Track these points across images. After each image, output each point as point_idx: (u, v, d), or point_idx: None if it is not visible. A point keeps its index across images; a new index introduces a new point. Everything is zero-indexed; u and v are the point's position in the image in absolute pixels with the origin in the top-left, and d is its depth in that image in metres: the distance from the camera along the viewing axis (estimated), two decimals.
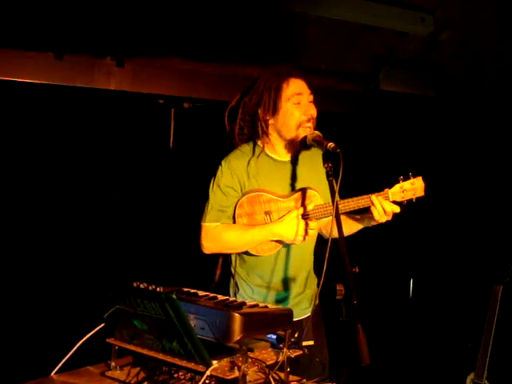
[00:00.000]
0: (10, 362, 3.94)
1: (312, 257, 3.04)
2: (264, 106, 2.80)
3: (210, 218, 2.84)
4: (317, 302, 3.06)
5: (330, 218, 2.94)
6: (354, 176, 3.28)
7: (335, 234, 2.62)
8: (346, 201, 2.79)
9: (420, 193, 2.85)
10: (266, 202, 2.82)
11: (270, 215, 2.81)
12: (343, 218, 2.97)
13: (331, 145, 2.51)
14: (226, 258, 2.99)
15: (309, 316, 2.94)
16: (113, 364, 2.16)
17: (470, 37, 4.85)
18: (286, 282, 2.92)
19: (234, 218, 2.85)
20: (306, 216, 2.80)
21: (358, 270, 2.16)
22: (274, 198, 2.82)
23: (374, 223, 2.87)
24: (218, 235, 2.83)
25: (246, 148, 2.90)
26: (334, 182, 2.40)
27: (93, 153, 4.60)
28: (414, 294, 5.65)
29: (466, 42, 4.91)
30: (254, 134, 2.91)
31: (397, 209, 2.77)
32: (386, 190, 2.82)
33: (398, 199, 2.82)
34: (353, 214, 2.96)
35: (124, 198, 4.65)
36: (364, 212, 2.87)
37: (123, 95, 4.63)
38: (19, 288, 4.24)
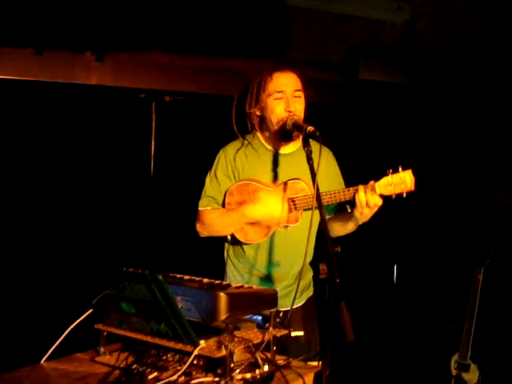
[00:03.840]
0: None
1: (308, 250, 3.03)
2: (248, 98, 2.90)
3: (202, 203, 2.96)
4: (311, 293, 3.11)
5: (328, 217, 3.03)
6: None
7: (335, 233, 2.71)
8: (331, 192, 2.83)
9: (410, 187, 2.84)
10: (255, 191, 2.87)
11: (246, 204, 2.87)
12: (338, 217, 3.08)
13: (310, 128, 2.55)
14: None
15: (299, 307, 2.99)
16: (102, 350, 2.20)
17: (446, 24, 4.90)
18: (275, 272, 2.96)
19: (223, 205, 2.93)
20: (293, 203, 2.86)
21: (340, 250, 2.19)
22: (263, 188, 2.87)
23: (359, 217, 2.84)
24: (205, 218, 2.94)
25: (242, 140, 3.00)
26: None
27: (75, 148, 4.60)
28: (398, 276, 5.71)
29: (443, 29, 4.96)
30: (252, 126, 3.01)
31: (379, 201, 2.76)
32: (372, 182, 2.82)
33: (387, 193, 2.82)
34: (344, 213, 2.99)
35: (107, 191, 4.65)
36: (353, 210, 2.87)
37: (104, 90, 4.63)
38: (7, 276, 4.23)
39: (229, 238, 2.96)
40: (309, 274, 3.10)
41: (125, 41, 4.52)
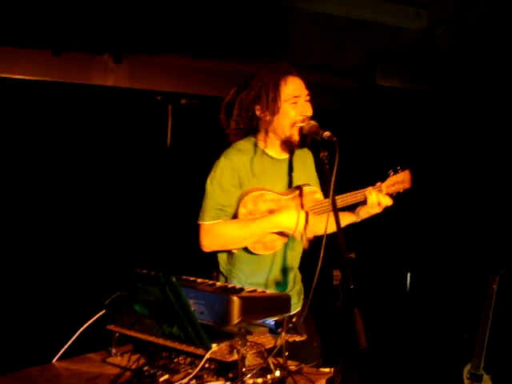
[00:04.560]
0: (12, 349, 3.96)
1: (300, 255, 3.05)
2: (262, 104, 2.78)
3: (209, 216, 2.77)
4: (303, 295, 3.09)
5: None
6: (350, 170, 3.34)
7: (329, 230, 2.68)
8: (343, 196, 2.87)
9: (407, 185, 3.07)
10: (269, 201, 2.81)
11: (273, 213, 2.81)
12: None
13: (327, 134, 2.55)
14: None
15: (299, 311, 2.97)
16: (113, 351, 2.19)
17: (464, 31, 4.88)
18: (278, 280, 2.91)
19: (237, 216, 2.79)
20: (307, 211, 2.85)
21: (354, 256, 2.18)
22: (277, 197, 2.83)
23: (365, 216, 2.96)
24: (219, 231, 2.77)
25: (246, 145, 2.88)
26: (330, 170, 2.43)
27: (91, 149, 4.63)
28: (412, 284, 5.68)
29: (461, 36, 4.94)
30: (250, 129, 2.90)
31: (390, 202, 2.92)
32: (379, 183, 2.99)
33: (390, 192, 3.00)
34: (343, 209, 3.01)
35: (122, 193, 4.67)
36: (353, 208, 2.96)
37: (121, 91, 4.65)
38: (21, 276, 4.27)
39: (234, 250, 2.84)
40: (299, 277, 3.09)
41: (142, 43, 4.54)
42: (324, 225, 2.75)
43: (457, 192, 5.53)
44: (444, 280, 5.49)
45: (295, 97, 2.79)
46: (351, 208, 2.97)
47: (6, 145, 4.51)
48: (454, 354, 4.53)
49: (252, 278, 2.88)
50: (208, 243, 2.79)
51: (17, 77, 4.43)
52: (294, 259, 2.98)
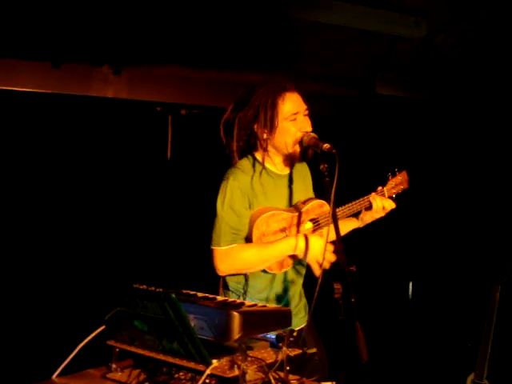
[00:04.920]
0: (11, 365, 3.95)
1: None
2: (260, 123, 2.77)
3: (224, 241, 2.74)
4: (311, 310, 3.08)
5: None
6: (351, 179, 3.35)
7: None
8: (349, 205, 2.94)
9: (406, 185, 3.18)
10: (281, 220, 2.80)
11: (286, 231, 2.81)
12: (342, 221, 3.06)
13: (327, 146, 2.55)
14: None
15: (306, 324, 2.97)
16: (114, 366, 2.17)
17: (464, 39, 4.88)
18: (286, 295, 2.91)
19: (250, 238, 2.76)
20: (316, 225, 2.87)
21: (355, 269, 2.17)
22: (285, 214, 2.82)
23: (369, 221, 3.08)
24: (235, 256, 2.73)
25: (246, 164, 2.86)
26: (331, 182, 2.43)
27: (91, 160, 4.63)
28: (414, 293, 5.66)
29: (461, 44, 4.94)
30: (250, 147, 2.90)
31: (393, 205, 3.03)
32: (381, 188, 3.09)
33: (390, 195, 3.11)
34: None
35: (122, 205, 4.66)
36: (357, 214, 3.04)
37: (120, 103, 4.65)
38: (20, 291, 4.25)
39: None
40: (303, 295, 3.08)
41: (142, 54, 4.55)
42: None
43: (459, 200, 5.52)
44: (446, 289, 5.47)
45: (294, 114, 2.78)
46: (354, 214, 3.03)
47: (5, 156, 4.50)
48: (457, 363, 4.52)
49: (263, 294, 2.87)
50: (225, 268, 2.77)
51: (17, 89, 4.43)
52: (302, 273, 2.99)
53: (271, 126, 2.76)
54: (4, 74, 4.41)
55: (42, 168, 4.51)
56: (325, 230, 2.82)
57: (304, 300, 3.06)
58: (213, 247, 2.76)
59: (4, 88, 4.42)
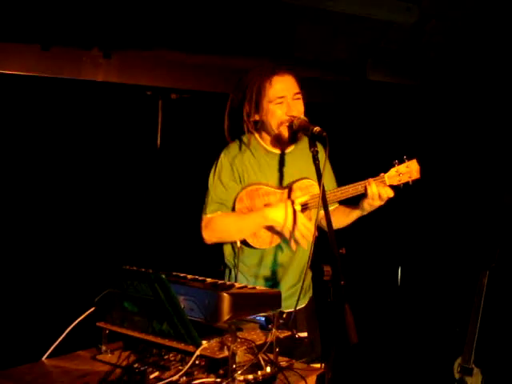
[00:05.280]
0: (1, 348, 3.94)
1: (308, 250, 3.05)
2: (247, 105, 2.83)
3: (210, 209, 2.86)
4: (311, 294, 3.09)
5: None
6: (345, 165, 3.33)
7: (337, 225, 2.65)
8: (343, 188, 2.87)
9: (416, 175, 2.95)
10: (265, 195, 2.85)
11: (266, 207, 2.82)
12: (341, 209, 3.07)
13: (317, 129, 2.55)
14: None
15: (302, 307, 2.98)
16: (103, 348, 2.18)
17: (454, 26, 4.89)
18: (280, 274, 2.94)
19: (233, 211, 2.86)
20: (304, 206, 2.85)
21: (345, 252, 2.19)
22: (273, 191, 2.86)
23: (368, 209, 2.90)
24: (216, 224, 2.85)
25: (244, 140, 2.94)
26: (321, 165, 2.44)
27: (81, 144, 4.60)
28: (402, 278, 5.69)
29: (451, 30, 4.94)
30: (242, 130, 2.93)
31: (391, 193, 2.83)
32: (382, 174, 2.91)
33: (395, 183, 2.91)
34: (347, 203, 3.00)
35: (112, 188, 4.65)
36: (358, 201, 2.92)
37: (110, 87, 4.63)
38: (9, 274, 4.25)
39: (238, 243, 2.87)
40: (309, 275, 3.09)
41: (132, 38, 4.52)
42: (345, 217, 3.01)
43: (447, 186, 5.54)
44: (435, 274, 5.50)
45: (280, 97, 2.80)
46: (356, 202, 2.95)
47: None
48: (445, 347, 4.56)
49: (255, 271, 2.93)
50: (207, 235, 2.87)
51: (5, 72, 4.39)
52: (297, 254, 2.94)
53: (257, 108, 2.83)
54: None
55: (30, 152, 4.48)
56: (313, 211, 2.84)
57: (305, 283, 3.02)
58: (202, 215, 2.89)
59: None
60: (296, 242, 2.73)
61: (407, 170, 2.93)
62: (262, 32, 4.67)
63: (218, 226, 2.85)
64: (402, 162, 2.95)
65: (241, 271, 2.93)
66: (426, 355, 5.00)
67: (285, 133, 2.82)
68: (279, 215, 2.73)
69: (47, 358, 2.15)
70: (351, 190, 2.86)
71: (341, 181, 3.05)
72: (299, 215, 2.73)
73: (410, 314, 5.51)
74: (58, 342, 2.15)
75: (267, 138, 2.93)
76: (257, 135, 2.95)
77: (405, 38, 5.05)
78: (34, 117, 4.50)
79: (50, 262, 4.35)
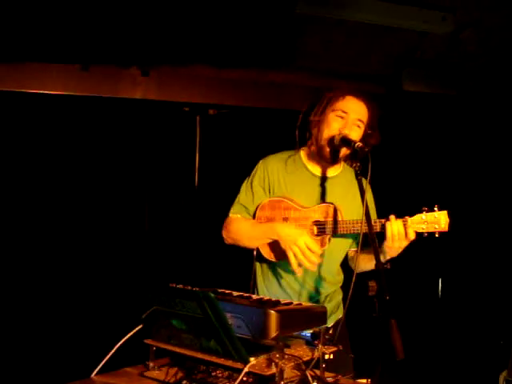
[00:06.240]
0: (51, 364, 4.01)
1: (337, 272, 3.03)
2: (315, 109, 2.87)
3: (234, 210, 2.93)
4: (340, 315, 3.05)
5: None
6: (377, 180, 3.29)
7: (359, 269, 2.64)
8: (354, 221, 2.78)
9: (444, 228, 2.76)
10: (286, 209, 2.85)
11: (287, 222, 2.83)
12: (362, 256, 2.88)
13: (359, 144, 2.55)
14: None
15: (334, 323, 2.96)
16: (151, 364, 2.20)
17: (490, 34, 4.84)
18: (305, 293, 2.92)
19: (254, 218, 2.89)
20: (321, 229, 2.82)
21: (389, 267, 2.18)
22: (294, 206, 2.85)
23: (389, 253, 2.73)
24: (233, 226, 2.90)
25: (288, 154, 2.97)
26: (364, 180, 2.42)
27: (121, 162, 4.67)
28: (444, 291, 5.62)
29: (487, 39, 4.89)
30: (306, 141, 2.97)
31: (412, 235, 2.68)
32: (407, 217, 2.74)
33: (419, 230, 2.75)
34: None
35: (153, 205, 4.71)
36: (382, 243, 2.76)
37: (149, 104, 4.69)
38: (60, 291, 4.32)
39: (254, 252, 2.91)
40: (337, 297, 3.05)
41: (169, 55, 4.58)
42: (364, 263, 2.79)
43: (488, 195, 5.47)
44: (477, 285, 5.42)
45: (344, 112, 2.80)
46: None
47: (35, 158, 4.57)
48: (490, 360, 4.48)
49: (276, 290, 2.92)
50: (225, 235, 2.94)
51: (47, 92, 4.49)
52: (324, 272, 2.92)
53: (320, 113, 2.84)
54: (34, 78, 4.48)
55: (72, 170, 4.57)
56: (328, 237, 2.82)
57: (332, 303, 2.99)
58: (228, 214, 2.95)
59: (34, 91, 4.49)
60: (299, 263, 2.68)
61: (435, 220, 2.74)
62: (298, 45, 4.69)
63: (233, 228, 2.90)
64: (431, 210, 2.76)
65: (266, 286, 2.96)
66: (471, 368, 4.92)
67: (326, 148, 2.81)
68: (285, 232, 2.71)
69: (96, 374, 2.17)
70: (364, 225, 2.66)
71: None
72: (305, 237, 2.65)
73: (452, 326, 5.44)
74: (107, 359, 2.17)
75: (313, 153, 2.93)
76: (309, 152, 2.94)
77: (440, 47, 5.01)
78: (76, 136, 4.59)
79: (99, 280, 4.42)
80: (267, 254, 2.86)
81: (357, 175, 2.45)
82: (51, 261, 4.42)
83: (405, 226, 2.69)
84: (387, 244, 2.68)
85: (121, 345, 2.19)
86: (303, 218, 2.83)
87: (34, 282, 4.41)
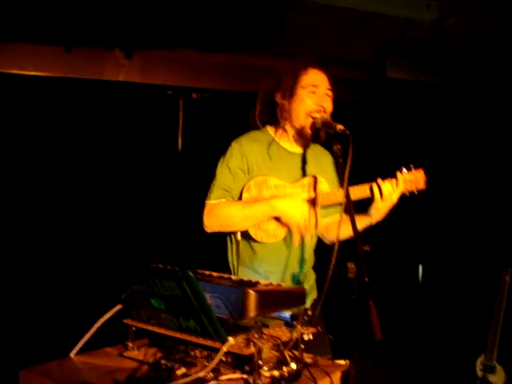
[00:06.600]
0: (29, 344, 4.00)
1: (312, 254, 3.05)
2: (281, 90, 2.86)
3: (214, 195, 2.82)
4: (315, 296, 3.07)
5: (330, 220, 3.00)
6: (360, 163, 3.32)
7: (342, 235, 2.60)
8: (350, 188, 2.77)
9: (421, 185, 2.94)
10: (274, 187, 2.84)
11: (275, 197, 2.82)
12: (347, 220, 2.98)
13: (340, 127, 2.57)
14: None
15: (311, 304, 2.96)
16: (130, 345, 2.20)
17: (475, 22, 4.85)
18: (283, 276, 2.91)
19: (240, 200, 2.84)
20: (313, 201, 2.84)
21: (369, 249, 2.19)
22: (282, 184, 2.85)
23: (376, 215, 2.88)
24: (219, 211, 2.79)
25: (260, 134, 2.95)
26: (344, 163, 2.44)
27: (102, 144, 4.65)
28: (424, 276, 5.67)
29: (472, 27, 4.91)
30: (271, 119, 2.97)
31: (396, 193, 2.85)
32: (389, 179, 2.89)
33: (403, 190, 2.91)
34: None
35: (134, 187, 4.70)
36: (365, 211, 2.91)
37: (132, 86, 4.67)
38: (38, 271, 4.31)
39: (239, 237, 2.83)
40: (312, 277, 3.07)
41: (153, 38, 4.55)
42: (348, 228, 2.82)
43: (469, 183, 5.51)
44: (457, 271, 5.48)
45: (314, 86, 2.84)
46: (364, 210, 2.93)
47: (17, 141, 4.54)
48: (467, 345, 4.54)
49: (251, 266, 2.90)
50: (209, 222, 2.82)
51: (29, 73, 4.46)
52: (304, 252, 2.94)
53: (290, 93, 2.84)
54: (17, 58, 4.44)
55: (53, 152, 4.54)
56: (318, 209, 2.83)
57: (307, 286, 2.97)
58: (205, 201, 2.86)
59: (17, 72, 4.45)
60: (301, 235, 2.74)
61: (413, 179, 2.93)
62: (282, 30, 4.68)
63: (221, 213, 2.79)
64: (409, 169, 2.95)
65: (247, 266, 2.90)
66: (448, 353, 4.98)
67: (308, 128, 2.83)
68: (288, 206, 2.72)
69: (75, 354, 2.16)
70: (358, 191, 2.84)
71: (356, 180, 3.03)
72: (307, 208, 2.73)
73: (431, 311, 5.49)
74: (86, 339, 2.17)
75: (289, 133, 2.93)
76: (280, 130, 2.94)
77: (425, 35, 5.02)
78: (57, 117, 4.56)
79: (78, 260, 4.41)
80: (257, 235, 2.82)
81: (337, 158, 2.47)
82: (26, 238, 4.39)
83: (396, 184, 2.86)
84: (376, 206, 2.83)
85: (101, 325, 2.19)
86: (291, 194, 2.84)
87: (13, 261, 4.38)
